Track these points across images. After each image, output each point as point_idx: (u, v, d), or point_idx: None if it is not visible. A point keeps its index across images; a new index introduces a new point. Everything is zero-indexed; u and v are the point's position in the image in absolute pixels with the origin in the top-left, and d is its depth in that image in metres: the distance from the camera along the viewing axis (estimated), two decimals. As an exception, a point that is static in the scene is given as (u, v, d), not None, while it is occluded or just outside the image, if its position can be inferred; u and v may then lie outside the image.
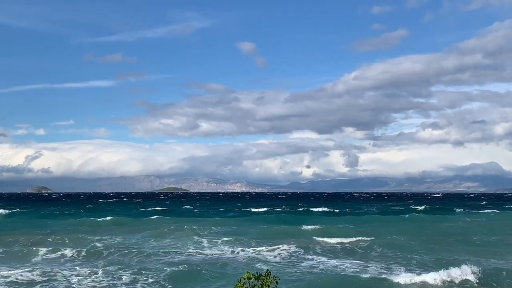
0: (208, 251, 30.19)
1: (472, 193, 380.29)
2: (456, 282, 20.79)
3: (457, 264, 22.41)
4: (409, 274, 21.92)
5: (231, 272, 23.26)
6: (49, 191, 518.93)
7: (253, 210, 77.24)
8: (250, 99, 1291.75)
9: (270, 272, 7.86)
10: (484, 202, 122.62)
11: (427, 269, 23.47)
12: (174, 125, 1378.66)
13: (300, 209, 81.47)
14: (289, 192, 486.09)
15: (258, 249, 30.84)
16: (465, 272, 21.21)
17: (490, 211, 73.74)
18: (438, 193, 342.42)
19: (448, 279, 20.89)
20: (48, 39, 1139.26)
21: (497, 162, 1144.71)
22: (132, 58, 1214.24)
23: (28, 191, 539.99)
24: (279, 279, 7.93)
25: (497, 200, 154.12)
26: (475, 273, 21.20)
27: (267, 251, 30.19)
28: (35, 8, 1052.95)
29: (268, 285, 7.60)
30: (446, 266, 22.49)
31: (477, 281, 20.85)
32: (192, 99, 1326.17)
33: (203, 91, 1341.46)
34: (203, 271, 23.37)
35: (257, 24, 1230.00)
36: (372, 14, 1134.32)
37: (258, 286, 7.60)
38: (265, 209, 79.88)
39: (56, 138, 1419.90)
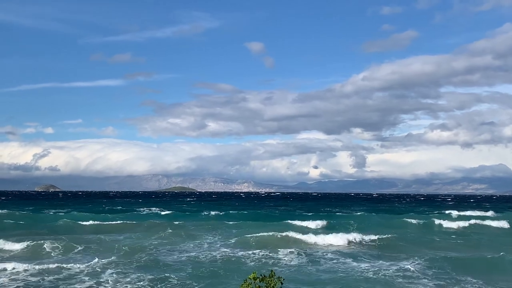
0: (218, 252, 30.03)
1: (480, 195, 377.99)
2: None
3: None
4: None
5: (240, 271, 23.18)
6: (57, 190, 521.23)
7: (266, 212, 74.36)
8: (258, 99, 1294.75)
9: (274, 273, 7.75)
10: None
11: None
12: (182, 124, 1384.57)
13: (326, 208, 78.70)
14: (300, 192, 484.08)
15: (271, 249, 30.55)
16: None
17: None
18: (451, 195, 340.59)
19: None
20: (57, 39, 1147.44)
21: (505, 164, 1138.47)
22: (141, 58, 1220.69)
23: (36, 189, 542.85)
24: (284, 280, 7.82)
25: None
26: None
27: (280, 252, 29.86)
28: (44, 8, 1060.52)
29: (273, 287, 7.49)
30: None
31: None
32: (200, 99, 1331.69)
33: (211, 91, 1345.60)
34: (212, 272, 23.27)
35: (265, 25, 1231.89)
36: (382, 15, 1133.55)
37: (262, 288, 7.50)
38: (283, 210, 76.78)
39: (65, 136, 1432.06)
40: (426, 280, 21.73)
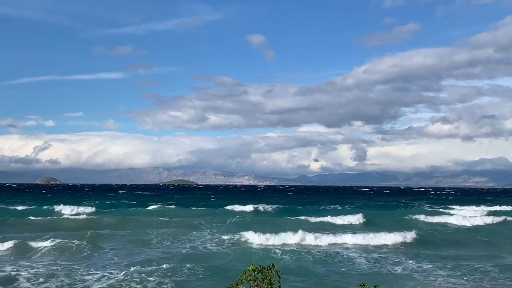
0: (221, 244, 30.05)
1: (481, 188, 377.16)
2: None
3: None
4: None
5: (241, 264, 23.23)
6: (58, 182, 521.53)
7: (283, 206, 68.32)
8: (259, 92, 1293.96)
9: (273, 266, 7.85)
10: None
11: None
12: (183, 117, 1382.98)
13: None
14: (300, 185, 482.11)
15: (280, 243, 30.59)
16: None
17: None
18: (455, 188, 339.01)
19: None
20: (58, 31, 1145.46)
21: (506, 157, 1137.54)
22: (142, 50, 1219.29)
23: (37, 182, 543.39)
24: (281, 273, 7.92)
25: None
26: None
27: (290, 246, 29.96)
28: (45, 1, 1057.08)
29: (270, 279, 7.58)
30: None
31: None
32: (201, 92, 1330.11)
33: (212, 84, 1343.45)
34: (213, 264, 23.38)
35: (267, 18, 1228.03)
36: (384, 8, 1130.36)
37: (260, 280, 7.59)
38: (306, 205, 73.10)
39: (65, 129, 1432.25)
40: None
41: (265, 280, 7.59)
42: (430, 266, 24.34)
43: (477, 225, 46.28)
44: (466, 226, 45.58)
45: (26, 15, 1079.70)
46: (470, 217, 51.37)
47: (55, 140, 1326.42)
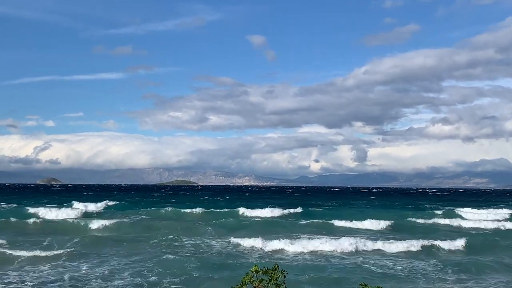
0: (223, 245, 29.83)
1: (484, 189, 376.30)
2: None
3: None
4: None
5: (243, 264, 23.08)
6: (59, 183, 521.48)
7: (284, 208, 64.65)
8: (260, 93, 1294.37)
9: (278, 266, 7.72)
10: None
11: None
12: (183, 118, 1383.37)
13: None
14: (301, 186, 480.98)
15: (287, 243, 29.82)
16: None
17: None
18: (455, 189, 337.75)
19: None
20: (58, 32, 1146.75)
21: (506, 158, 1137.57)
22: (142, 50, 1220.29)
23: (38, 182, 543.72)
24: (287, 273, 7.79)
25: None
26: None
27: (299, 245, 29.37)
28: (45, 1, 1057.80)
29: (276, 279, 7.47)
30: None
31: None
32: (201, 92, 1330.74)
33: (212, 84, 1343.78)
34: (216, 267, 23.10)
35: (267, 18, 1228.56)
36: (384, 8, 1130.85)
37: (266, 281, 7.47)
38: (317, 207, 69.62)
39: (65, 130, 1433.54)
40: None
41: (272, 281, 7.46)
42: (462, 275, 22.74)
43: (508, 228, 43.91)
44: (486, 229, 43.60)
45: (26, 15, 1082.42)
46: (487, 220, 49.22)
47: (55, 140, 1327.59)
